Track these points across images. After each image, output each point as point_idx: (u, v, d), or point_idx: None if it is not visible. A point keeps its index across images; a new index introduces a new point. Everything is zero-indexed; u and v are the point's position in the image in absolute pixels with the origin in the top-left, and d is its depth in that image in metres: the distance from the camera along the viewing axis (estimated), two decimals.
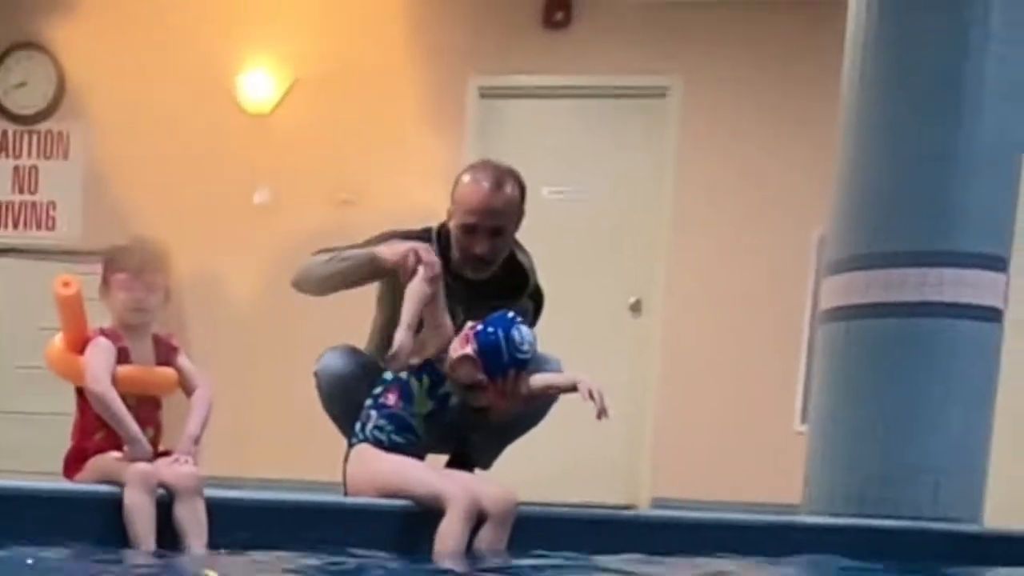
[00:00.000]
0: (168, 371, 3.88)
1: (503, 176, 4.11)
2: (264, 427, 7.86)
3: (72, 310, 3.84)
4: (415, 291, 3.92)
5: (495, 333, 3.92)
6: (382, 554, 3.70)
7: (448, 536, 3.76)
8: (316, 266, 4.21)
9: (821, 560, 4.14)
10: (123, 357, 3.78)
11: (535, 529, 3.92)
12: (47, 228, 8.77)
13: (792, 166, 7.95)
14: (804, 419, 7.58)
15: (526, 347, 3.93)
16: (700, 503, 6.91)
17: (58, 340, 3.91)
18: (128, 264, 3.80)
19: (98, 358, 3.74)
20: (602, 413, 3.76)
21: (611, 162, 8.42)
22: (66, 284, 3.82)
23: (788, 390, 7.98)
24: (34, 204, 8.79)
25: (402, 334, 3.86)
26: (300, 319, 7.77)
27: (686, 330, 8.17)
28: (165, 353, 3.90)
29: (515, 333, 3.92)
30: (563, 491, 6.60)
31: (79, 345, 3.82)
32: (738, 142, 8.09)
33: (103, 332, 3.81)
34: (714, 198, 8.15)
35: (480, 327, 3.96)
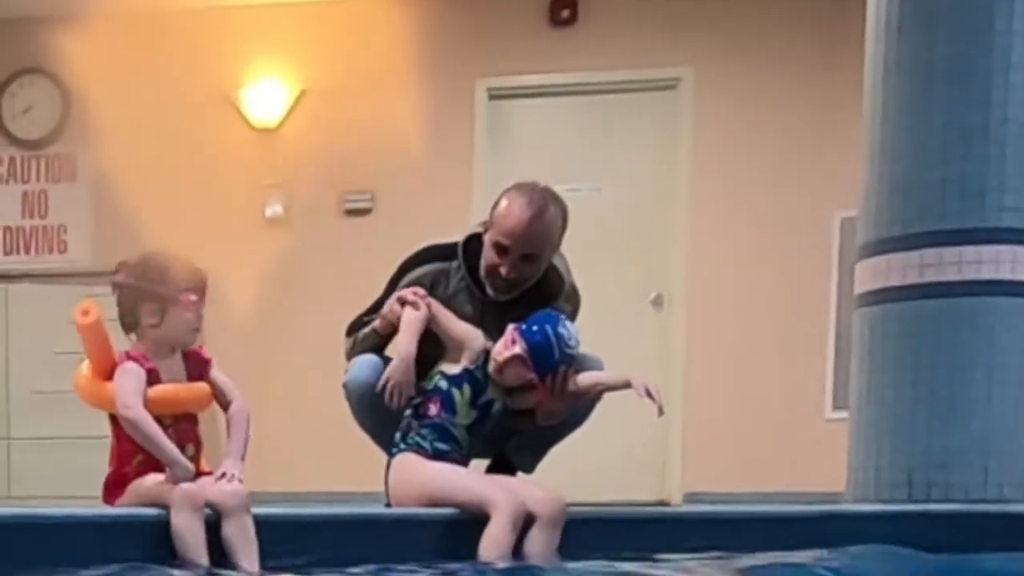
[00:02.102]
0: (201, 386, 3.76)
1: (546, 202, 4.00)
2: (279, 440, 7.81)
3: (94, 337, 3.71)
4: (405, 320, 3.96)
5: (542, 330, 3.89)
6: (428, 565, 3.63)
7: (493, 543, 3.69)
8: (349, 354, 4.32)
9: (871, 548, 4.05)
10: (153, 378, 3.65)
11: (586, 531, 3.86)
12: (59, 251, 8.76)
13: (808, 150, 7.90)
14: (835, 406, 7.54)
15: (573, 343, 3.90)
16: (733, 496, 6.83)
17: (85, 368, 3.78)
18: (194, 283, 3.68)
19: (127, 383, 3.61)
20: (661, 410, 3.75)
21: (625, 156, 8.33)
22: (85, 312, 3.67)
23: (817, 377, 7.90)
24: (44, 228, 8.79)
25: (394, 364, 3.93)
26: (313, 332, 7.74)
27: (709, 322, 8.09)
28: (197, 367, 3.78)
29: (562, 329, 3.90)
30: (593, 490, 6.50)
31: (106, 371, 3.70)
32: (752, 130, 8.02)
33: (130, 356, 3.68)
34: (731, 187, 8.07)
35: (525, 326, 3.92)
